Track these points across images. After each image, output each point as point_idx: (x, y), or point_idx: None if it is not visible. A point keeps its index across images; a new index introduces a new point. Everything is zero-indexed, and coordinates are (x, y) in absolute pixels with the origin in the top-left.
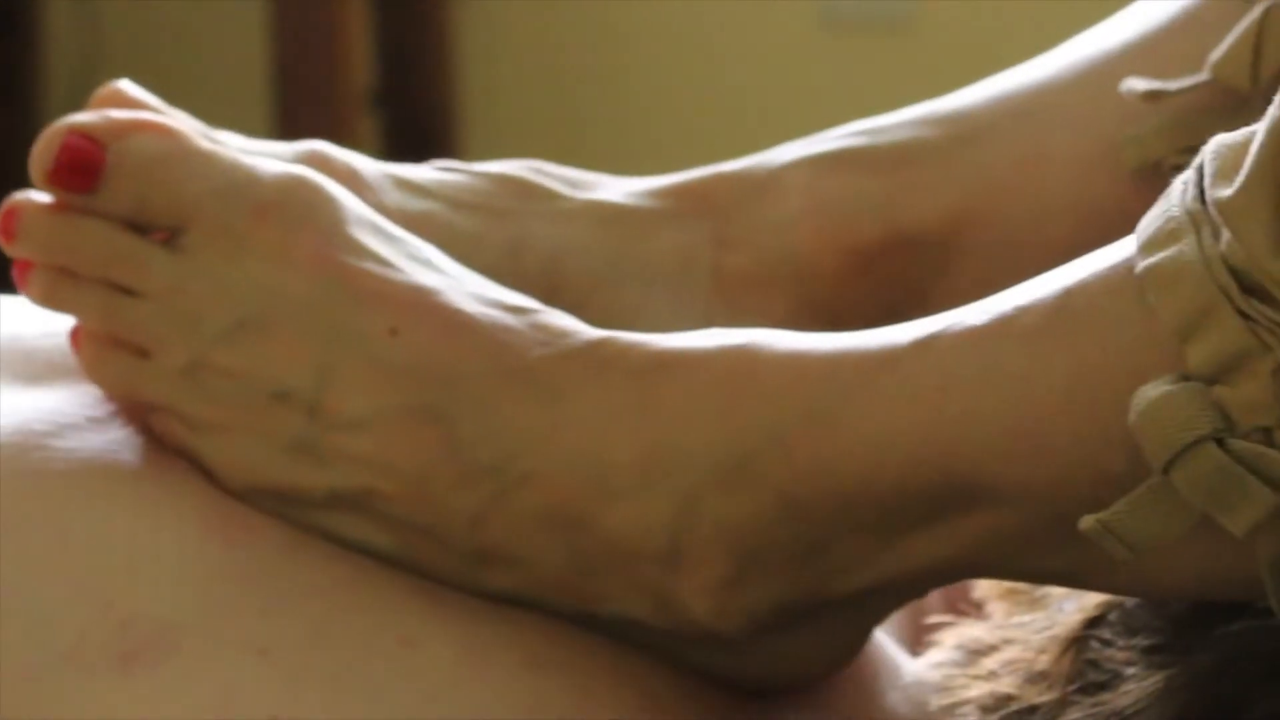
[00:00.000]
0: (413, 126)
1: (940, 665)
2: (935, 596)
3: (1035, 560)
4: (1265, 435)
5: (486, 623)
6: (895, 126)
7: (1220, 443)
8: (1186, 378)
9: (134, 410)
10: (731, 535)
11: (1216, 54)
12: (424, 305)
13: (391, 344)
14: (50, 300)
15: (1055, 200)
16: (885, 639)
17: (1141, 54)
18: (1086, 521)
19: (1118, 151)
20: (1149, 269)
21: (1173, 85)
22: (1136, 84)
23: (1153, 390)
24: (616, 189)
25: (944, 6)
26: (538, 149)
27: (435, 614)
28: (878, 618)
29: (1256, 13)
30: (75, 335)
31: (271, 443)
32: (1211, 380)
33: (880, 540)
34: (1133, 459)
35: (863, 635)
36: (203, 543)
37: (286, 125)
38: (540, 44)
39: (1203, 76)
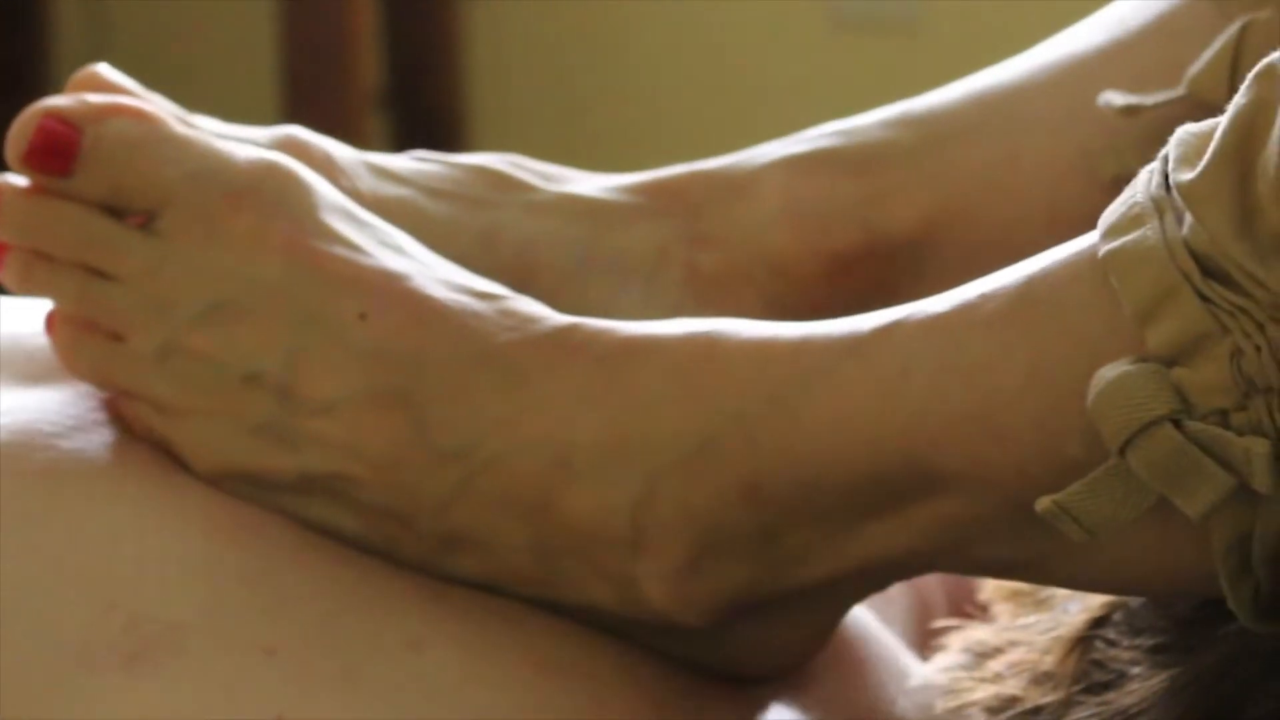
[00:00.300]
0: (421, 127)
1: (947, 669)
2: (941, 600)
3: (995, 550)
4: (1222, 418)
5: (493, 625)
6: (870, 127)
7: (1177, 424)
8: (1146, 360)
9: (107, 397)
10: (692, 519)
11: (1195, 69)
12: (393, 290)
13: (360, 328)
14: (25, 283)
15: (1028, 205)
16: (894, 642)
17: (1117, 59)
18: (1043, 502)
19: (1093, 160)
20: (1112, 253)
21: (1149, 100)
22: (1114, 98)
23: (1111, 371)
24: (592, 184)
25: (952, 6)
26: (546, 148)
27: (441, 616)
28: (838, 611)
29: (1234, 28)
30: (50, 320)
31: (242, 426)
32: (1170, 363)
33: (840, 529)
34: (1091, 445)
35: (825, 628)
36: (209, 543)
37: (294, 124)
38: (548, 44)
39: (1180, 91)
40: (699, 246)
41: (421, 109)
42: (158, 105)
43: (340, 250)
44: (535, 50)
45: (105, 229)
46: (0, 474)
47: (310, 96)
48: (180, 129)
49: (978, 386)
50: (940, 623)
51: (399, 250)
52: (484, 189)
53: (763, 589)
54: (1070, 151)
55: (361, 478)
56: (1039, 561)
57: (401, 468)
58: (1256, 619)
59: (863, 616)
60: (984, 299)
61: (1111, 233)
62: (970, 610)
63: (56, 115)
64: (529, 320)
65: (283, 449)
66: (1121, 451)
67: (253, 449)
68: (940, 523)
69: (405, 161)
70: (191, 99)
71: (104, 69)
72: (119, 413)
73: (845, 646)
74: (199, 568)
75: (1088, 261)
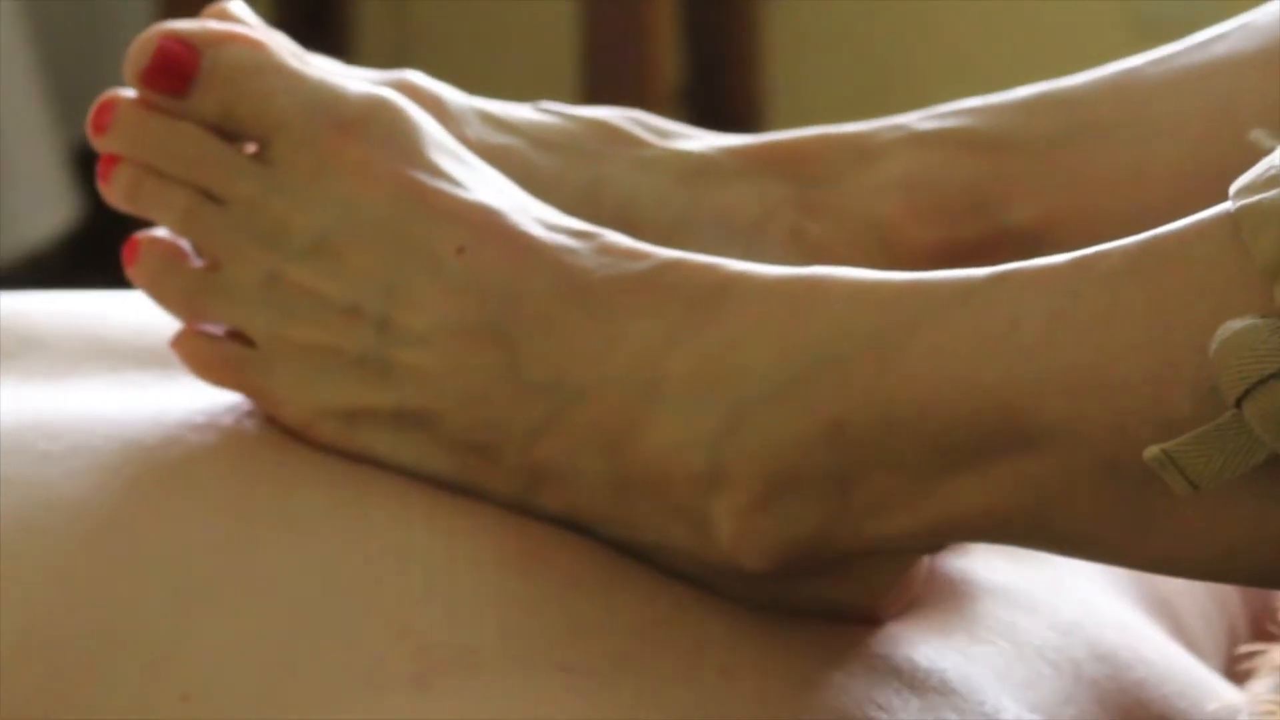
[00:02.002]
0: (720, 121)
1: (1255, 695)
2: (1242, 622)
3: (1073, 519)
4: None
5: (796, 656)
6: (1007, 108)
7: None
8: (1273, 316)
9: (181, 332)
10: (771, 455)
11: None
12: (491, 225)
13: (457, 261)
14: (132, 197)
15: (1151, 214)
16: (1195, 663)
17: (1265, 71)
18: (1151, 450)
19: (1225, 181)
20: (1245, 209)
21: None
22: (1261, 138)
23: (1237, 324)
24: (709, 143)
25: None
26: None
27: (749, 647)
28: (898, 574)
29: None
30: (133, 247)
31: (341, 359)
32: None
33: (918, 481)
34: (1201, 401)
35: (882, 591)
36: (501, 571)
37: None
38: (847, 42)
39: None
40: (808, 212)
41: (720, 104)
42: (275, 39)
43: (443, 185)
44: (833, 44)
45: (219, 150)
46: (291, 484)
47: (610, 93)
48: (295, 61)
49: (1090, 338)
50: (1246, 647)
51: (499, 190)
52: (593, 142)
53: (829, 540)
54: (1201, 168)
55: (449, 413)
56: (1115, 536)
57: (489, 401)
58: None
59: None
60: (1103, 255)
61: (1245, 191)
62: (1273, 629)
63: (177, 37)
64: (626, 257)
65: (380, 382)
66: (1238, 403)
67: (350, 383)
68: (1023, 482)
69: (520, 111)
70: (492, 96)
71: (232, 3)
72: (191, 350)
73: (1130, 667)
74: (490, 595)
75: (1217, 220)
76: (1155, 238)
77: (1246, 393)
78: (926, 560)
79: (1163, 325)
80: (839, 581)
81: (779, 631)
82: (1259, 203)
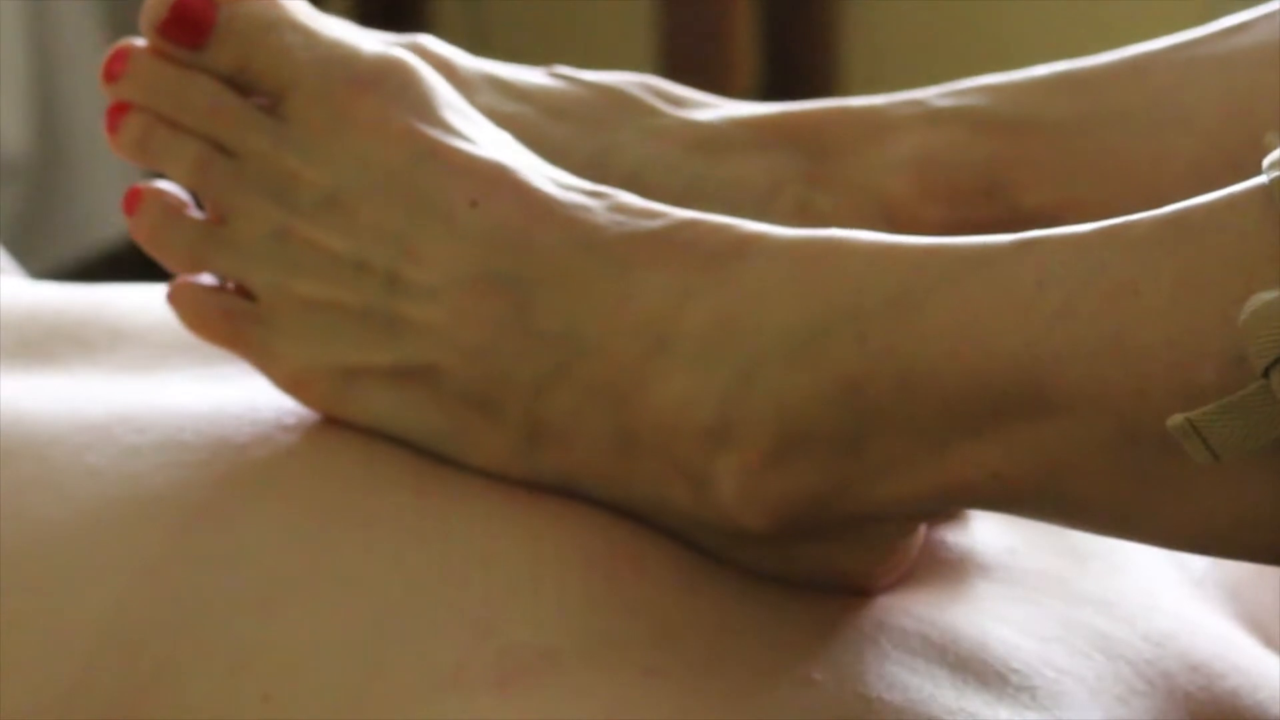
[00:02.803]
0: None
1: None
2: None
3: (1084, 487)
4: None
5: (892, 664)
6: (1023, 89)
7: None
8: None
9: (175, 283)
10: (782, 413)
11: None
12: (504, 179)
13: (471, 214)
14: (143, 146)
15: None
16: (1261, 652)
17: (1277, 64)
18: (1175, 419)
19: (1242, 176)
20: (1279, 180)
21: None
22: (1274, 139)
23: (1268, 294)
24: (722, 112)
25: None
26: None
27: (831, 653)
28: (901, 541)
29: None
30: (135, 196)
31: (344, 315)
32: None
33: (930, 443)
34: (1226, 372)
35: (884, 558)
36: (586, 574)
37: None
38: (924, 42)
39: None
40: (816, 185)
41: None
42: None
43: (456, 141)
44: (911, 48)
45: (233, 103)
46: (377, 486)
47: None
48: (311, 19)
49: (1116, 305)
50: None
51: (511, 150)
52: (604, 110)
53: (834, 502)
54: (1218, 161)
55: (454, 368)
56: (1125, 506)
57: (497, 354)
58: None
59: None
60: (1131, 225)
61: (1279, 165)
62: None
63: None
64: (640, 215)
65: (383, 338)
66: (1266, 373)
67: (351, 339)
68: (1037, 449)
69: (532, 76)
70: None
71: None
72: (188, 300)
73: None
74: (575, 599)
75: (1250, 193)
76: (1185, 209)
77: (1276, 362)
78: (923, 531)
79: (1191, 294)
80: (836, 548)
81: (859, 640)
82: None
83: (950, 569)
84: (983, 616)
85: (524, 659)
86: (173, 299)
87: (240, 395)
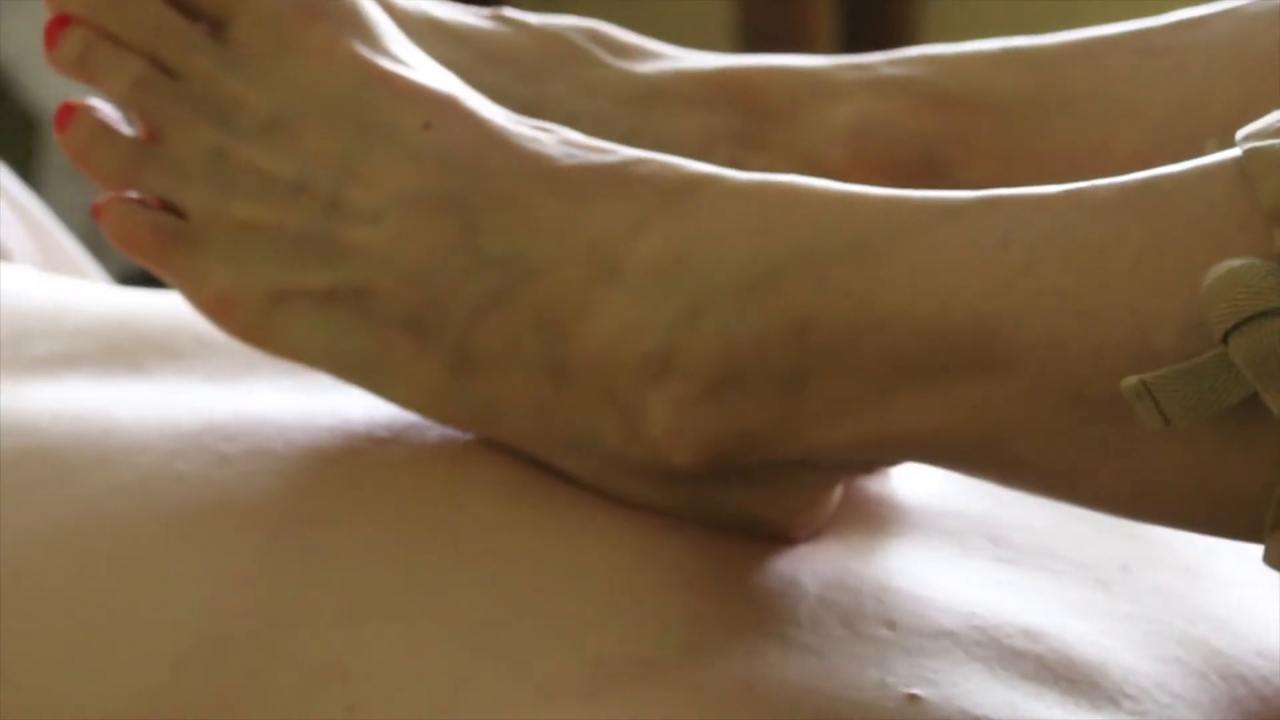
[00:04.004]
0: None
1: None
2: None
3: (1029, 448)
4: None
5: (994, 679)
6: (973, 62)
7: None
8: (1272, 258)
9: (101, 200)
10: (729, 347)
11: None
12: (457, 107)
13: (423, 136)
14: (83, 62)
15: None
16: None
17: (1235, 71)
18: (1129, 381)
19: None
20: (1254, 152)
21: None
22: (1213, 147)
23: (1234, 262)
24: (664, 65)
25: None
26: None
27: (942, 675)
28: (827, 491)
29: None
30: (66, 112)
31: (279, 237)
32: None
33: (875, 390)
34: (1185, 337)
35: (807, 507)
36: (684, 589)
37: None
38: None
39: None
40: (751, 146)
41: None
42: None
43: (404, 70)
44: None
45: (178, 22)
46: (468, 500)
47: None
48: None
49: (1080, 264)
50: None
51: (456, 84)
52: (542, 59)
53: (768, 442)
54: (1162, 157)
55: (391, 291)
56: (1066, 468)
57: (438, 277)
58: None
59: None
60: (1099, 187)
61: (1254, 137)
62: None
63: None
64: (592, 149)
65: (317, 261)
66: (1225, 338)
67: (284, 262)
68: (983, 404)
69: (471, 20)
70: None
71: None
72: (116, 216)
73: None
74: (673, 612)
75: (1223, 164)
76: (1155, 176)
77: (1235, 328)
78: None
79: (1156, 259)
80: (759, 493)
81: (966, 656)
82: (1269, 147)
83: (1083, 579)
84: (1105, 637)
85: (618, 671)
86: (100, 215)
87: (330, 406)
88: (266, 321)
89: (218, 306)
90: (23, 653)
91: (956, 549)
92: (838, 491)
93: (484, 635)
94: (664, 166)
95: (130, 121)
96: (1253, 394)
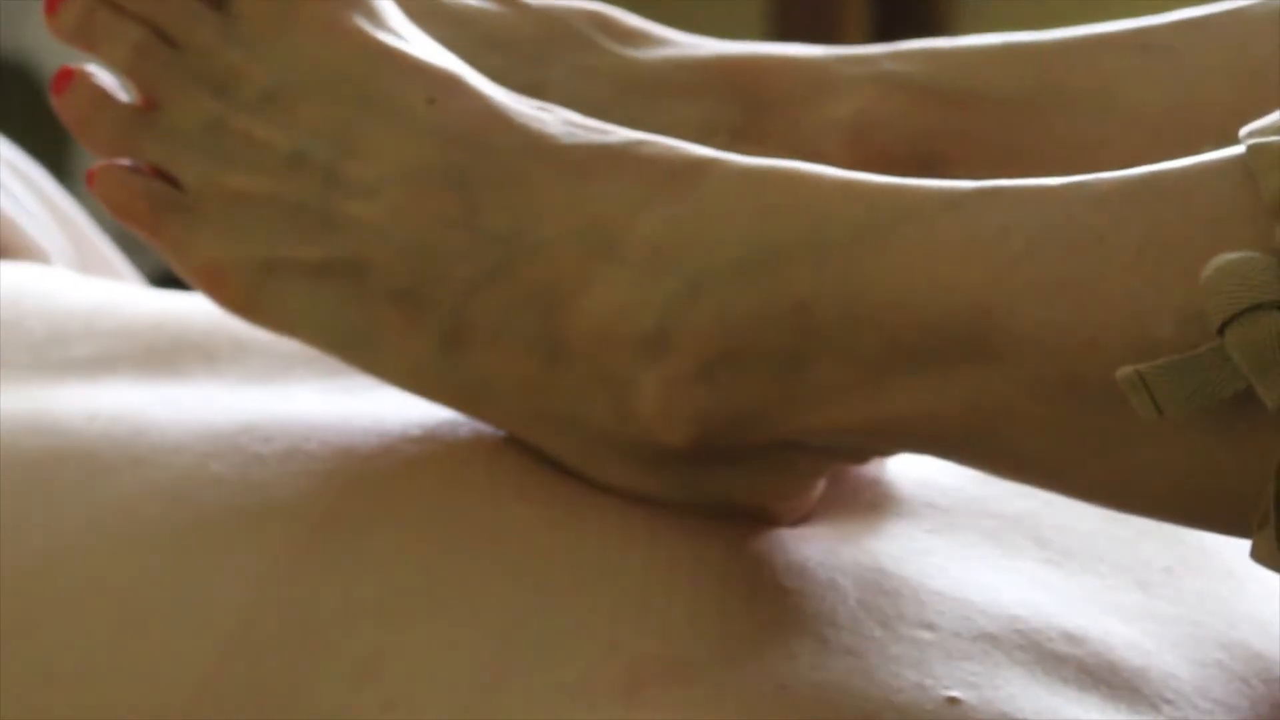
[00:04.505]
0: None
1: None
2: None
3: (1020, 437)
4: None
5: (1036, 688)
6: (972, 58)
7: None
8: (1273, 253)
9: (96, 166)
10: (726, 326)
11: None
12: (460, 83)
13: (428, 110)
14: (83, 28)
15: None
16: None
17: (1232, 76)
18: (1125, 370)
19: None
20: (1258, 147)
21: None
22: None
23: (1234, 255)
24: (664, 51)
25: None
26: None
27: (979, 678)
28: (814, 476)
29: None
30: (65, 76)
31: (274, 208)
32: None
33: (870, 377)
34: (1183, 328)
35: (792, 492)
36: (721, 590)
37: None
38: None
39: None
40: (747, 138)
41: None
42: None
43: (407, 46)
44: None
45: None
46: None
47: None
48: None
49: (1080, 254)
50: None
51: (459, 63)
52: (541, 42)
53: (759, 423)
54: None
55: (386, 263)
56: (1058, 458)
57: (436, 250)
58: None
59: None
60: (1100, 179)
61: (1259, 133)
62: None
63: None
64: (593, 130)
65: (311, 233)
66: (1222, 330)
67: (278, 233)
68: (976, 391)
69: (473, 1)
70: None
71: None
72: (111, 181)
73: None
74: (709, 613)
75: (1227, 159)
76: (1159, 170)
77: (1232, 319)
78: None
79: (1158, 249)
80: (745, 477)
81: (1007, 660)
82: (1272, 143)
83: (1125, 582)
84: (1146, 640)
85: (654, 671)
86: (94, 181)
87: (366, 407)
88: (257, 292)
89: (209, 276)
90: (61, 653)
91: (998, 550)
92: (822, 482)
93: (519, 633)
94: (667, 148)
95: (128, 90)
96: (1247, 388)
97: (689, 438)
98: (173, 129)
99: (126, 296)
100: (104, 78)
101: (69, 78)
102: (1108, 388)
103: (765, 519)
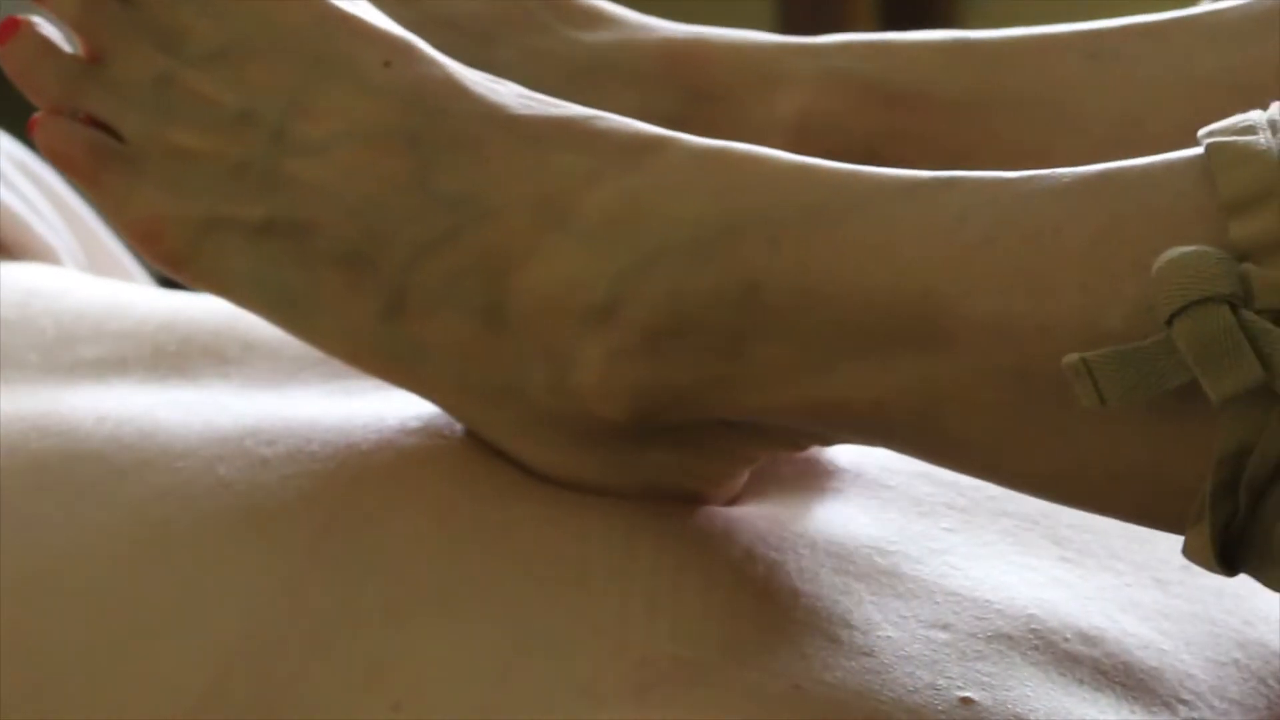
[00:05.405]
0: None
1: None
2: None
3: (963, 424)
4: (1275, 317)
5: (1049, 687)
6: (922, 55)
7: (1233, 309)
8: (1225, 249)
9: (36, 117)
10: (676, 302)
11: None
12: (417, 50)
13: (384, 73)
14: None
15: None
16: None
17: (1179, 90)
18: (1071, 357)
19: None
20: (1217, 145)
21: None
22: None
23: (1186, 249)
24: (612, 34)
25: None
26: None
27: (990, 677)
28: (750, 460)
29: None
30: (9, 26)
31: (218, 165)
32: (1243, 257)
33: (817, 360)
34: (1133, 320)
35: (725, 475)
36: (732, 590)
37: None
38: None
39: None
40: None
41: None
42: None
43: (363, 13)
44: None
45: None
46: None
47: None
48: None
49: (1036, 243)
50: None
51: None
52: (491, 23)
53: (700, 400)
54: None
55: (332, 225)
56: (1002, 447)
57: (384, 212)
58: (1214, 556)
59: None
60: (1059, 173)
61: (1218, 133)
62: None
63: None
64: (550, 104)
65: (254, 192)
66: (1170, 321)
67: (220, 190)
68: (922, 378)
69: None
70: None
71: None
72: (54, 131)
73: None
74: (719, 610)
75: (1185, 156)
76: (1119, 166)
77: (1181, 311)
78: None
79: (1114, 242)
80: (677, 458)
81: (1021, 658)
82: (1232, 142)
83: (1143, 580)
84: (1163, 639)
85: (663, 670)
86: (35, 129)
87: (367, 407)
88: (194, 250)
89: (145, 231)
90: (68, 656)
91: (1015, 548)
92: (754, 466)
93: (527, 632)
94: (625, 123)
95: (73, 44)
96: (1191, 381)
97: (626, 412)
98: (118, 82)
99: (136, 297)
100: (49, 29)
101: (14, 27)
102: (1055, 377)
103: (693, 500)
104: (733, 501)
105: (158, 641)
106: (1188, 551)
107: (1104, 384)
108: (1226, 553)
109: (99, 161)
